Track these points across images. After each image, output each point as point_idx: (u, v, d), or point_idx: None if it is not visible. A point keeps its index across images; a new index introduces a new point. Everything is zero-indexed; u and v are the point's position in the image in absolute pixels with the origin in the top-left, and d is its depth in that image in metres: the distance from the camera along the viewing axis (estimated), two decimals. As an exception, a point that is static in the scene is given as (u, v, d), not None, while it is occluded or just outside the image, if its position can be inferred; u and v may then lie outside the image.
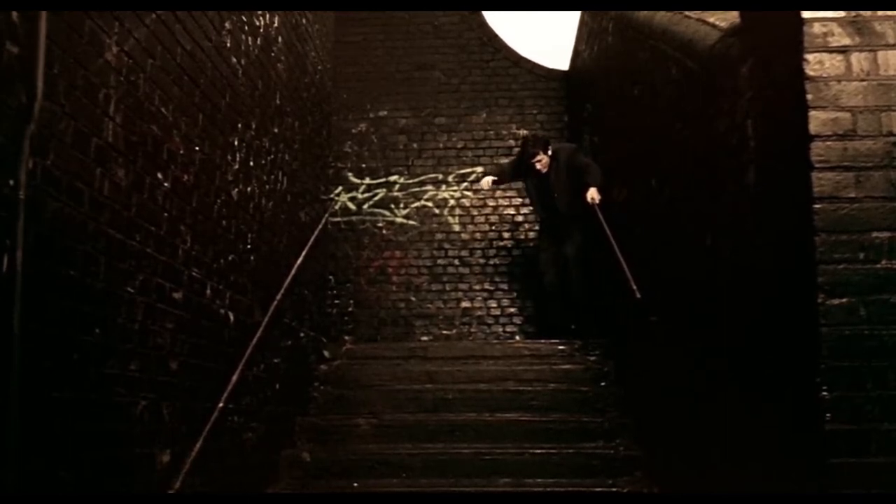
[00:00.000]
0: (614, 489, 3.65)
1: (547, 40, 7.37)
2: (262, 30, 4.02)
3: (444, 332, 6.11)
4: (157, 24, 2.71)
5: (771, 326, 2.28)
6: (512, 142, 6.40)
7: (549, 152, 5.33)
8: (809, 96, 2.07)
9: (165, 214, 2.76)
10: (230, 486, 3.33)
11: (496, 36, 6.65)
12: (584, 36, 5.77)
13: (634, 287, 3.47)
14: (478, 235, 6.34)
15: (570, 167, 5.20)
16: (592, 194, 4.76)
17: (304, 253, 4.72)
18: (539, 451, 3.95)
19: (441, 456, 4.01)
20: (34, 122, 1.93)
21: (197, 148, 3.07)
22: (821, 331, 1.98)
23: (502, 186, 6.35)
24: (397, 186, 6.37)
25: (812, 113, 2.06)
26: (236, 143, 3.56)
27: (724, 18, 2.79)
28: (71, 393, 2.13)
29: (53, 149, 2.04)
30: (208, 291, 3.16)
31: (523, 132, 6.42)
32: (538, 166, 5.28)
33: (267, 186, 4.08)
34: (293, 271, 4.46)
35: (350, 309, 6.14)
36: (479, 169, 6.36)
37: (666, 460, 3.41)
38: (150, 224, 2.63)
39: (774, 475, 2.23)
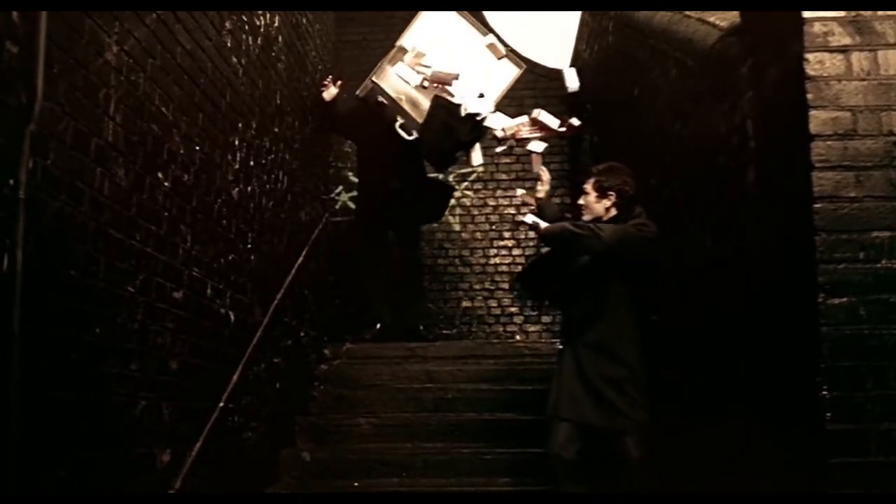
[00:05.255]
0: (614, 489, 3.65)
1: (547, 40, 7.35)
2: (262, 29, 4.01)
3: (445, 331, 6.10)
4: (158, 24, 2.70)
5: (771, 326, 2.28)
6: (513, 141, 6.37)
7: (613, 196, 3.25)
8: (810, 96, 2.07)
9: (165, 214, 2.76)
10: (230, 485, 3.33)
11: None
12: (585, 36, 5.77)
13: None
14: (478, 235, 6.33)
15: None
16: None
17: (304, 252, 4.71)
18: (539, 450, 3.94)
19: (441, 456, 4.01)
20: (34, 122, 1.93)
21: (197, 147, 3.07)
22: (821, 330, 1.98)
23: (503, 185, 6.35)
24: (397, 186, 6.35)
25: (812, 112, 2.07)
26: (237, 142, 3.56)
27: (724, 18, 2.79)
28: (71, 393, 2.13)
29: (53, 149, 2.04)
30: (209, 291, 3.15)
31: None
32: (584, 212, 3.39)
33: (267, 186, 4.08)
34: (293, 271, 4.46)
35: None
36: (480, 168, 6.35)
37: (665, 460, 3.41)
38: (151, 224, 2.63)
39: (774, 475, 2.23)
